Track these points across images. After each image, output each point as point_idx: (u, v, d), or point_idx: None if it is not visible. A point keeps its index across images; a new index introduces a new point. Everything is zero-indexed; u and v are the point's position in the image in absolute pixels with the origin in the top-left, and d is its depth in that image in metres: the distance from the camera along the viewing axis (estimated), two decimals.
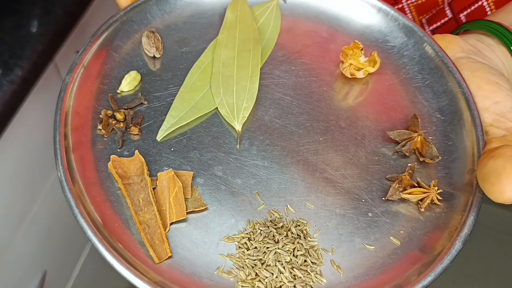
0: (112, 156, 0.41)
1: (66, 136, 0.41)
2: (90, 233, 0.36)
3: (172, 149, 0.43)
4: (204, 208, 0.40)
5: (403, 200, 0.41)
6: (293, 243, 0.38)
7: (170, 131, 0.43)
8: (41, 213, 0.77)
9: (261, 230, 0.38)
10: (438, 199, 0.41)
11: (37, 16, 0.59)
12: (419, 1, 0.59)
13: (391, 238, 0.40)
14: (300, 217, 0.40)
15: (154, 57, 0.47)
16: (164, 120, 0.44)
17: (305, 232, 0.39)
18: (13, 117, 0.57)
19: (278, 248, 0.37)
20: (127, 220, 0.39)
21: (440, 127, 0.45)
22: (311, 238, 0.39)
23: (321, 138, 0.44)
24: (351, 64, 0.46)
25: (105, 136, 0.42)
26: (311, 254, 0.38)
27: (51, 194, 0.77)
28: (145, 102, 0.44)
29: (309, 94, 0.47)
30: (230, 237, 0.39)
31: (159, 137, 0.43)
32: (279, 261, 0.37)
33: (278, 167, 0.42)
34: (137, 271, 0.35)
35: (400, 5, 0.60)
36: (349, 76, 0.48)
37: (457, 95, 0.46)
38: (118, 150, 0.42)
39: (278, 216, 0.40)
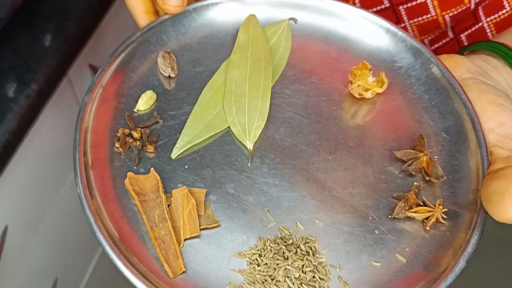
0: (129, 174, 0.42)
1: (85, 153, 0.43)
2: (108, 248, 0.38)
3: (186, 166, 0.44)
4: (216, 225, 0.41)
5: (409, 218, 0.43)
6: (302, 259, 0.39)
7: (184, 149, 0.45)
8: (53, 221, 0.79)
9: (271, 247, 0.40)
10: (443, 218, 0.42)
11: (51, 31, 0.61)
12: (421, 21, 0.61)
13: (397, 255, 0.41)
14: (309, 234, 0.41)
15: (169, 76, 0.49)
16: (178, 138, 0.45)
17: (314, 249, 0.40)
18: (29, 130, 0.59)
19: (288, 265, 0.39)
20: (143, 236, 0.40)
21: (446, 147, 0.47)
22: (319, 254, 0.40)
23: (330, 157, 0.46)
24: (359, 85, 0.48)
25: (122, 153, 0.44)
26: (319, 270, 0.39)
27: (63, 203, 0.79)
28: (161, 121, 0.46)
29: (318, 113, 0.48)
30: (241, 254, 0.40)
31: (173, 155, 0.44)
32: (288, 277, 0.38)
33: (288, 185, 0.44)
34: (153, 285, 0.37)
35: (402, 24, 0.62)
36: (358, 96, 0.49)
37: (463, 116, 0.47)
38: (135, 167, 0.44)
39: (288, 233, 0.41)
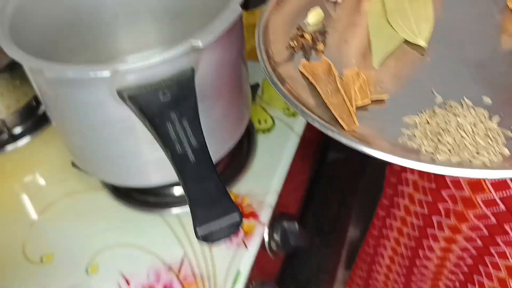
0: (302, 60, 0.47)
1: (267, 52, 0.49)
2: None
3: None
4: (384, 96, 0.44)
5: None
6: (473, 117, 0.40)
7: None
8: None
9: (440, 111, 0.42)
10: None
11: None
12: None
13: None
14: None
15: (335, 2, 0.54)
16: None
17: (484, 116, 0.41)
18: None
19: (460, 119, 0.40)
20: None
21: None
22: (490, 121, 0.41)
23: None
24: None
25: (296, 50, 0.49)
26: (492, 131, 0.40)
27: None
28: (328, 31, 0.51)
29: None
30: (411, 117, 0.42)
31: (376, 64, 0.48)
32: (461, 129, 0.39)
33: (452, 69, 0.46)
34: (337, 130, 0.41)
35: None
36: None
37: None
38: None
39: (456, 105, 0.42)
